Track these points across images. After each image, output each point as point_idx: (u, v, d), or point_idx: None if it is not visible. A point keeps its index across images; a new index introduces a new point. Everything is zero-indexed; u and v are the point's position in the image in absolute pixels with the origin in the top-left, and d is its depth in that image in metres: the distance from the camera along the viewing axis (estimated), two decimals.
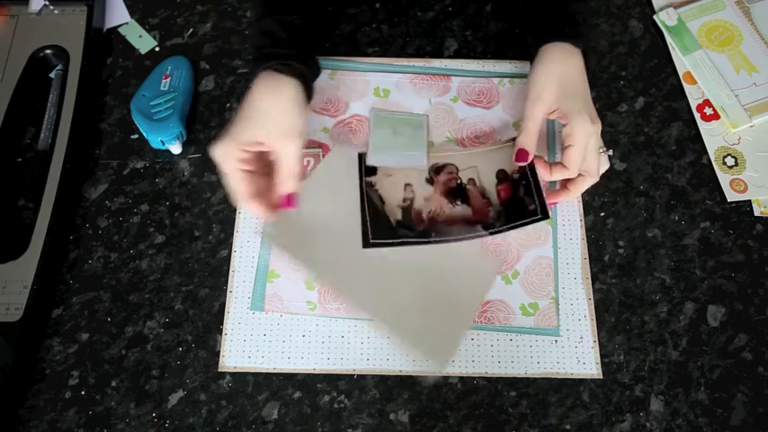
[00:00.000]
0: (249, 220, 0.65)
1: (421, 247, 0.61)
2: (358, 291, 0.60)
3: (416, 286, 0.60)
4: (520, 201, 0.63)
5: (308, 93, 0.61)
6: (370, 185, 0.65)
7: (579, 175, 0.60)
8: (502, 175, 0.65)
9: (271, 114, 0.56)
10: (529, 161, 0.60)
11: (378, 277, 0.60)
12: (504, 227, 0.62)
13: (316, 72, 0.64)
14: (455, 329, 0.59)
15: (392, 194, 0.65)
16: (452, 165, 0.66)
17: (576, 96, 0.59)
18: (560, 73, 0.59)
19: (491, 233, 0.62)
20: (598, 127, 0.58)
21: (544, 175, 0.61)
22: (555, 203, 0.65)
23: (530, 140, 0.60)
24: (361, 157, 0.66)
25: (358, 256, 0.60)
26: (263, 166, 0.58)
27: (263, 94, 0.57)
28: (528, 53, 0.64)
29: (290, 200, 0.57)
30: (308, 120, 0.68)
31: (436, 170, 0.66)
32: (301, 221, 0.60)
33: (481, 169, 0.65)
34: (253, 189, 0.56)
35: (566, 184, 0.62)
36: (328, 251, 0.61)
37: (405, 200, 0.64)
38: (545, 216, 0.61)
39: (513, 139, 0.63)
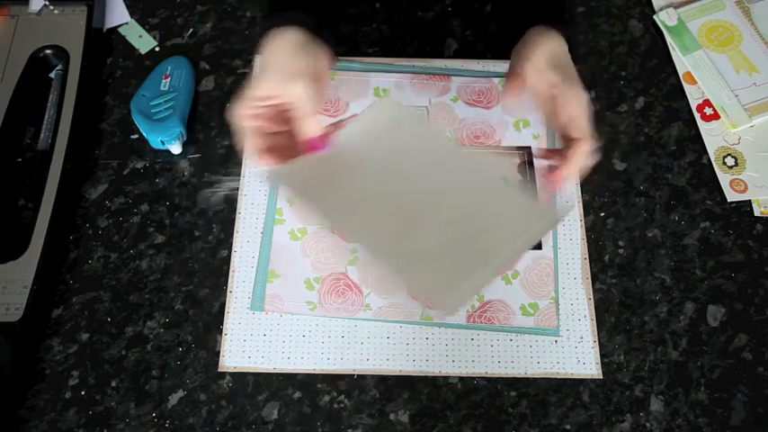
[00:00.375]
0: (249, 220, 0.65)
1: (451, 179, 0.56)
2: (377, 236, 0.54)
3: (443, 226, 0.54)
4: None
5: (321, 39, 0.57)
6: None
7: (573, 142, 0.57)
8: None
9: (272, 64, 0.54)
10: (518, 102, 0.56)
11: (400, 221, 0.55)
12: None
13: (325, 25, 0.59)
14: (481, 274, 0.52)
15: None
16: None
17: (568, 67, 0.57)
18: (550, 45, 0.56)
19: None
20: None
21: (564, 159, 0.57)
22: (558, 185, 0.58)
23: (520, 86, 0.56)
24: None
25: (384, 203, 0.55)
26: (285, 124, 0.56)
27: (264, 50, 0.55)
28: (511, 40, 0.60)
29: (317, 143, 0.54)
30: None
31: None
32: (323, 165, 0.55)
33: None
34: (268, 144, 0.54)
35: (558, 156, 0.57)
36: (350, 197, 0.55)
37: None
38: (538, 246, 0.63)
39: (517, 148, 0.62)
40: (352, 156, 0.56)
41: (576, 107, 0.55)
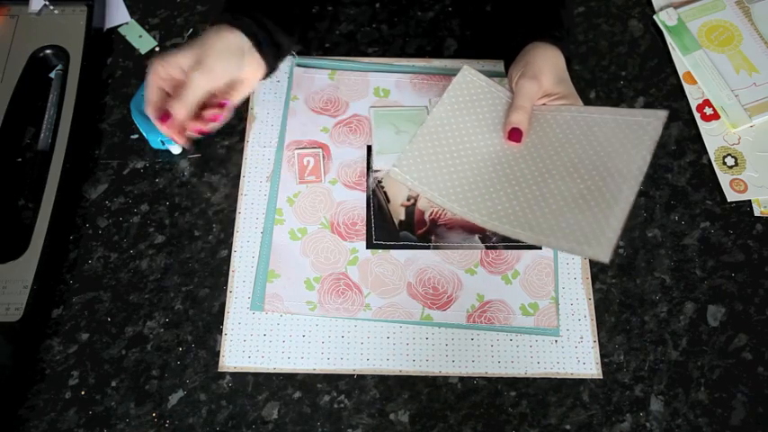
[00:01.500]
0: (249, 220, 0.65)
1: (557, 121, 0.57)
2: (504, 202, 0.55)
3: (564, 180, 0.54)
4: None
5: (262, 54, 0.59)
6: (377, 182, 0.65)
7: None
8: None
9: (202, 47, 0.57)
10: (522, 142, 0.57)
11: (524, 188, 0.55)
12: (500, 243, 0.64)
13: (276, 41, 0.61)
14: (614, 212, 0.51)
15: (397, 192, 0.65)
16: None
17: (569, 84, 0.59)
18: (555, 61, 0.58)
19: (487, 247, 0.63)
20: None
21: None
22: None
23: (524, 119, 0.57)
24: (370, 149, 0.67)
25: (498, 168, 0.56)
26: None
27: (210, 31, 0.58)
28: (508, 48, 0.62)
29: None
30: (307, 119, 0.69)
31: None
32: (432, 152, 0.57)
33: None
34: (162, 104, 0.57)
35: None
36: (465, 173, 0.57)
37: (409, 198, 0.65)
38: (538, 246, 0.63)
39: None
40: (453, 136, 0.58)
41: None
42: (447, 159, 0.57)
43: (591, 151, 0.54)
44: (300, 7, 0.65)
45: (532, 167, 0.56)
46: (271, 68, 0.61)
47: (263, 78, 0.61)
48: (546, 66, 0.57)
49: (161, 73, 0.57)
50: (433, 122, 0.58)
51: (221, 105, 0.59)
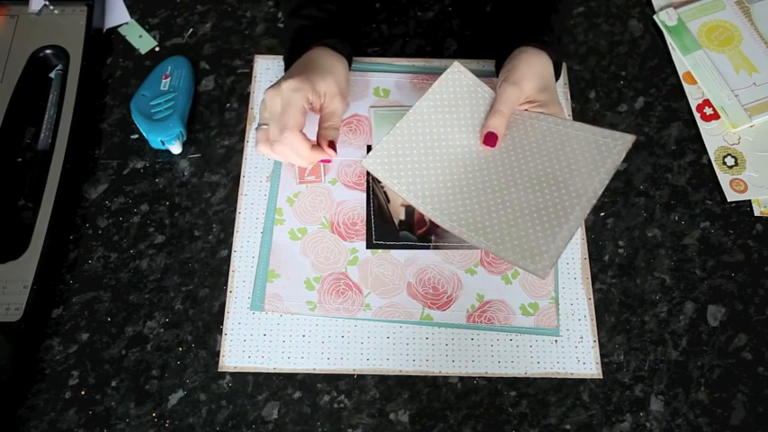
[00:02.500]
0: (249, 220, 0.65)
1: (529, 129, 0.58)
2: (467, 206, 0.56)
3: (526, 187, 0.56)
4: None
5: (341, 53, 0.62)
6: (377, 181, 0.65)
7: None
8: None
9: (334, 74, 0.58)
10: (497, 146, 0.58)
11: (487, 192, 0.57)
12: None
13: (351, 60, 0.64)
14: (562, 230, 0.53)
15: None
16: None
17: (553, 91, 0.59)
18: (540, 69, 0.58)
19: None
20: None
21: None
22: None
23: (502, 124, 0.57)
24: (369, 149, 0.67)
25: (466, 178, 0.57)
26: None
27: (324, 58, 0.59)
28: (499, 50, 0.63)
29: (332, 146, 0.57)
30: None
31: None
32: (408, 146, 0.58)
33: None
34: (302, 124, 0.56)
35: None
36: (436, 171, 0.58)
37: None
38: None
39: None
40: (431, 133, 0.59)
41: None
42: (420, 156, 0.58)
43: (557, 165, 0.55)
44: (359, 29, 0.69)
45: (500, 174, 0.57)
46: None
47: None
48: (530, 72, 0.57)
49: (308, 99, 0.56)
50: (413, 117, 0.59)
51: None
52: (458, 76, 0.60)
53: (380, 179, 0.57)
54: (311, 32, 0.61)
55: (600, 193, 0.53)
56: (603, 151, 0.54)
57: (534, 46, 0.59)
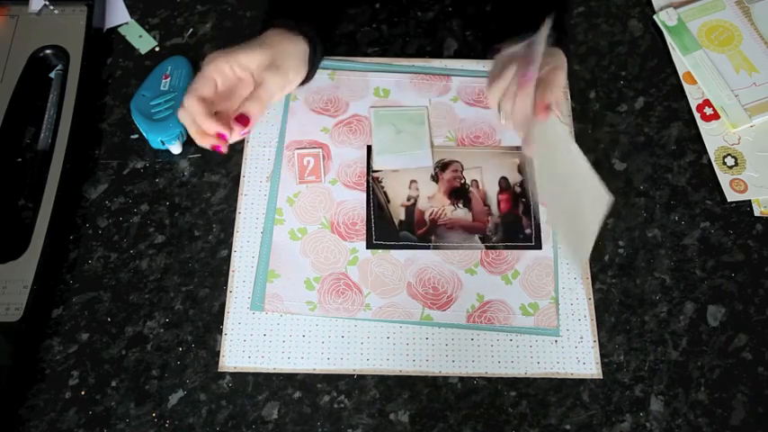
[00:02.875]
0: (249, 220, 0.65)
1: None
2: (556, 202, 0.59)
3: (566, 203, 0.58)
4: (518, 219, 0.65)
5: (312, 63, 0.61)
6: (377, 181, 0.65)
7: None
8: (504, 184, 0.66)
9: (270, 47, 0.56)
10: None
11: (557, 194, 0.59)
12: (500, 244, 0.64)
13: (320, 54, 0.63)
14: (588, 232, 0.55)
15: (397, 192, 0.65)
16: (458, 162, 0.67)
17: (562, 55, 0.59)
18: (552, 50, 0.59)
19: (487, 247, 0.64)
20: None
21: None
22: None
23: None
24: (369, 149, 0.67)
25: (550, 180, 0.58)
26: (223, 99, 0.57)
27: (275, 34, 0.58)
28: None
29: (242, 119, 0.54)
30: (307, 120, 0.69)
31: (442, 167, 0.66)
32: (547, 141, 0.57)
33: (485, 172, 0.66)
34: (211, 96, 0.55)
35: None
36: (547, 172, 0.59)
37: (409, 198, 0.65)
38: (538, 246, 0.64)
39: (517, 148, 0.63)
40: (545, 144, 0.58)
41: (565, 69, 0.58)
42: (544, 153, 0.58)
43: (572, 181, 0.56)
44: (334, 16, 0.67)
45: (553, 173, 0.58)
46: (310, 77, 0.63)
47: (299, 86, 0.62)
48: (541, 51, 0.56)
49: (225, 70, 0.55)
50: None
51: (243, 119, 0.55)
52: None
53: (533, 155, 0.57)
54: (268, 14, 0.61)
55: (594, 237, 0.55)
56: (597, 198, 0.55)
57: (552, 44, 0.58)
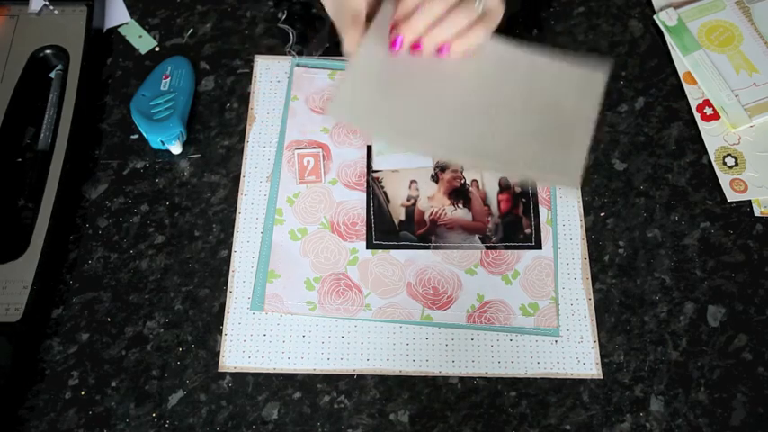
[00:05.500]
0: (249, 220, 0.65)
1: (513, 57, 0.54)
2: (462, 138, 0.52)
3: (512, 118, 0.52)
4: (518, 219, 0.64)
5: None
6: (377, 181, 0.65)
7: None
8: (504, 184, 0.66)
9: None
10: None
11: (470, 118, 0.52)
12: (500, 244, 0.64)
13: None
14: (575, 141, 0.50)
15: (397, 193, 0.65)
16: None
17: None
18: None
19: (487, 247, 0.64)
20: None
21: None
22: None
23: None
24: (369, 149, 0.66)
25: (451, 107, 0.53)
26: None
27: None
28: None
29: (396, 42, 0.52)
30: (307, 120, 0.69)
31: (442, 167, 0.66)
32: (368, 86, 0.53)
33: (485, 172, 0.66)
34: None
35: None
36: (409, 107, 0.53)
37: (409, 198, 0.65)
38: (538, 246, 0.63)
39: None
40: (388, 69, 0.54)
41: None
42: (386, 92, 0.53)
43: (537, 91, 0.52)
44: None
45: (481, 98, 0.53)
46: None
47: None
48: None
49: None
50: (364, 56, 0.53)
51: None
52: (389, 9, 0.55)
53: (354, 126, 0.52)
54: None
55: (594, 119, 0.50)
56: (583, 82, 0.52)
57: None
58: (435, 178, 0.66)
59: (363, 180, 0.66)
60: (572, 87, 0.52)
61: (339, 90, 0.53)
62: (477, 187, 0.66)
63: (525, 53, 0.54)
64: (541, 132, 0.51)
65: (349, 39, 0.53)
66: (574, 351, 0.60)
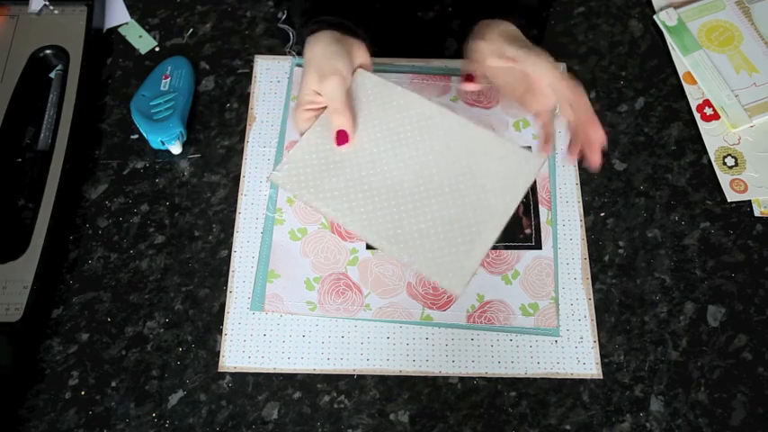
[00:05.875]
0: (249, 220, 0.65)
1: (443, 151, 0.58)
2: (374, 218, 0.56)
3: (436, 201, 0.56)
4: (518, 219, 0.65)
5: (354, 36, 0.59)
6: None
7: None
8: None
9: (309, 66, 0.57)
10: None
11: (399, 201, 0.56)
12: (500, 244, 0.64)
13: (359, 23, 0.61)
14: (476, 247, 0.54)
15: None
16: None
17: (527, 42, 0.57)
18: (503, 28, 0.57)
19: None
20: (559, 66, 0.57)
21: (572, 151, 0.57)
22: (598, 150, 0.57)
23: (476, 69, 0.58)
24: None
25: (373, 181, 0.57)
26: None
27: (304, 55, 0.58)
28: (462, 35, 0.61)
29: (339, 136, 0.57)
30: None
31: None
32: (316, 156, 0.58)
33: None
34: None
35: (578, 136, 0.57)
36: (342, 183, 0.57)
37: None
38: (538, 246, 0.64)
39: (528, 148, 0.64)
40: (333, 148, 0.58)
41: (553, 74, 0.55)
42: (329, 164, 0.58)
43: (475, 172, 0.56)
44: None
45: (415, 178, 0.57)
46: (371, 49, 0.61)
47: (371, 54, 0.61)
48: (490, 31, 0.57)
49: (307, 115, 0.58)
50: (320, 126, 0.59)
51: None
52: (361, 80, 0.60)
53: (289, 192, 0.58)
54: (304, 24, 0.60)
55: (512, 212, 0.54)
56: (516, 169, 0.56)
57: (495, 17, 0.58)
58: None
59: None
60: (505, 169, 0.56)
61: (290, 156, 0.58)
62: None
63: (474, 127, 0.58)
64: (454, 226, 0.55)
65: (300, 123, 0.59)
66: (574, 351, 0.60)
